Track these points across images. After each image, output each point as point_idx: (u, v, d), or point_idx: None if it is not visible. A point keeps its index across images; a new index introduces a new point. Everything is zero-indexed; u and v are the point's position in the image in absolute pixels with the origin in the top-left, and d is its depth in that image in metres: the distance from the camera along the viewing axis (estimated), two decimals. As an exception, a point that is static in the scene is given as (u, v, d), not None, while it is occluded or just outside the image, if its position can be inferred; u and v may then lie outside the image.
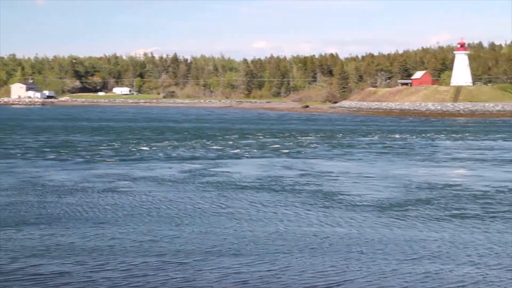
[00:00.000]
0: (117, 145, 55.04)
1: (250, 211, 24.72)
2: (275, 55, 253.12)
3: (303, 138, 67.27)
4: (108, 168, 38.16)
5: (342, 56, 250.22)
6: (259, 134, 72.03)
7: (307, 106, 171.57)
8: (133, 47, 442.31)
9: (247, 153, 49.43)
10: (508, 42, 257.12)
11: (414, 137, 69.52)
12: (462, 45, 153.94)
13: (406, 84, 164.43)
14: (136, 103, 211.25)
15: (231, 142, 59.75)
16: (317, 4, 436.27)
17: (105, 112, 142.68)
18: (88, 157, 44.99)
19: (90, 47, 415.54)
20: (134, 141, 59.59)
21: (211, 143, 58.90)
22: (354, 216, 23.88)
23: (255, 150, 51.73)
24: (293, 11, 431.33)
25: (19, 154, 45.92)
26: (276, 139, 64.52)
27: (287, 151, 51.65)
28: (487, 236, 20.54)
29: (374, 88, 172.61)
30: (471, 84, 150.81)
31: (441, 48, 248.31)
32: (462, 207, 25.81)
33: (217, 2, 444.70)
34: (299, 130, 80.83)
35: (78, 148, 51.84)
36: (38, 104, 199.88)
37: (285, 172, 37.11)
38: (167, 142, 59.47)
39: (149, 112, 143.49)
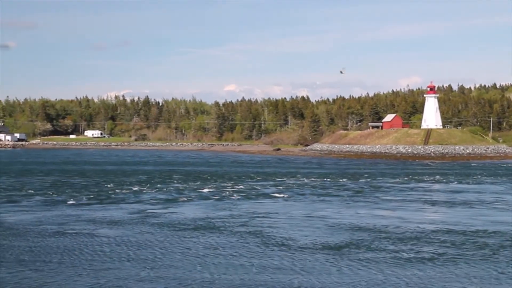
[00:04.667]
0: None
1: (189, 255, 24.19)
2: (246, 98, 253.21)
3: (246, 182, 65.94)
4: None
5: (313, 99, 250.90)
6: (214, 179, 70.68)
7: (278, 149, 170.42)
8: (105, 90, 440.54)
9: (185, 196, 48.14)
10: (477, 86, 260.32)
11: (378, 180, 68.44)
12: (432, 88, 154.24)
13: (377, 127, 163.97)
14: (107, 146, 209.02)
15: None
16: (287, 47, 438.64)
17: (102, 155, 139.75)
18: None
19: (62, 90, 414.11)
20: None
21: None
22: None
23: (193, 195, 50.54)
24: (264, 54, 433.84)
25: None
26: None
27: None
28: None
29: (345, 131, 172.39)
30: (441, 127, 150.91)
31: (411, 91, 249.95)
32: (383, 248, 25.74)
33: (188, 46, 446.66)
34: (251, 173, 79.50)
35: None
36: (9, 147, 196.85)
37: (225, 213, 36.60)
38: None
39: (139, 155, 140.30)
